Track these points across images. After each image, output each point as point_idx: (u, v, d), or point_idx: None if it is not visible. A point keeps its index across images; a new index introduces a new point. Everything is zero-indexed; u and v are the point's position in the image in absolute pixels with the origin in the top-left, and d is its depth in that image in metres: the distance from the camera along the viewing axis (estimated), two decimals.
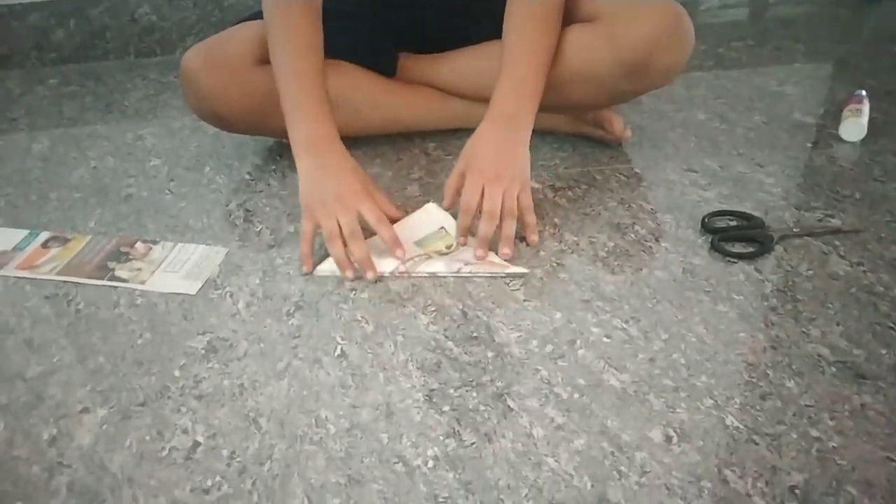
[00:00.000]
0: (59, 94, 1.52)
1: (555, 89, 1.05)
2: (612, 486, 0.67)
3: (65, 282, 0.96)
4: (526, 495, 0.67)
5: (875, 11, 1.82)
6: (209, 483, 0.69)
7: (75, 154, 1.28)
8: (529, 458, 0.70)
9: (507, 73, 1.01)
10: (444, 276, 0.94)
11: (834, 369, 0.79)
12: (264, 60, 1.10)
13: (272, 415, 0.76)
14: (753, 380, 0.78)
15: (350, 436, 0.73)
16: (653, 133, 1.27)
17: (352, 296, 0.92)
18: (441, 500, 0.67)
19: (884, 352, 0.81)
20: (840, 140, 1.23)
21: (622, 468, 0.69)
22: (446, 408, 0.76)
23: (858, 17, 1.79)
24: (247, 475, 0.70)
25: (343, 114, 1.05)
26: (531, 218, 0.98)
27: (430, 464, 0.70)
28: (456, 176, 0.99)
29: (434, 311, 0.89)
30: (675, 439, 0.71)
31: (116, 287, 0.94)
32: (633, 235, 1.01)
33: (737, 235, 1.00)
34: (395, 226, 0.97)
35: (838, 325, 0.85)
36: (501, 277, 0.93)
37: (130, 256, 1.00)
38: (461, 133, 1.01)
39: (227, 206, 1.12)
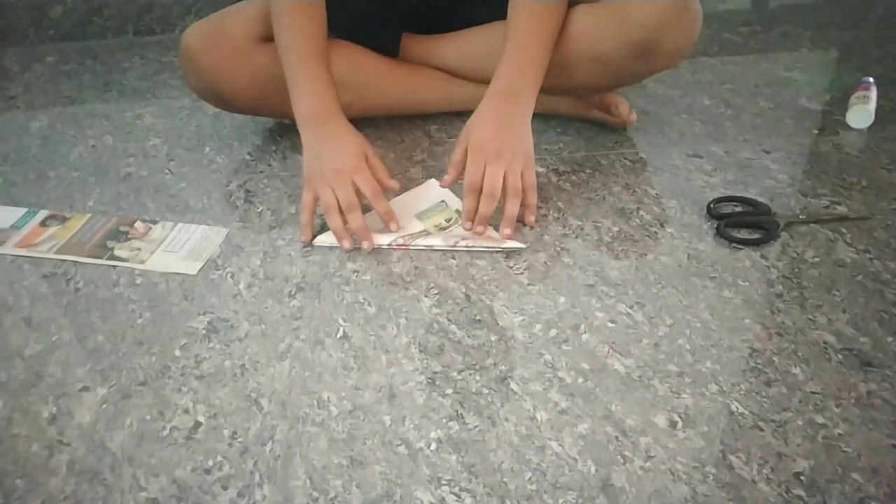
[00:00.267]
0: (57, 71, 1.50)
1: (561, 70, 1.04)
2: (616, 471, 0.67)
3: (63, 261, 0.95)
4: (529, 478, 0.66)
5: None
6: (210, 463, 0.68)
7: (74, 132, 1.26)
8: (533, 442, 0.70)
9: (509, 52, 1.00)
10: (442, 249, 0.94)
11: (840, 356, 0.78)
12: (265, 38, 1.09)
13: (274, 396, 0.75)
14: (759, 366, 0.77)
15: (352, 417, 0.73)
16: (658, 118, 1.25)
17: (354, 277, 0.91)
18: (444, 482, 0.66)
19: (890, 339, 0.80)
20: (847, 127, 1.22)
21: (626, 453, 0.68)
22: (449, 391, 0.75)
23: (866, 4, 1.77)
24: (248, 455, 0.69)
25: (346, 95, 1.03)
26: (532, 198, 0.97)
27: (433, 446, 0.70)
28: (459, 150, 0.97)
29: (437, 293, 0.88)
30: (679, 425, 0.71)
31: (116, 266, 0.93)
32: (637, 220, 1.00)
33: (742, 221, 0.99)
34: (396, 199, 0.98)
35: (844, 312, 0.84)
36: (498, 253, 0.93)
37: (130, 236, 0.99)
38: (464, 115, 0.99)
39: (228, 186, 1.10)
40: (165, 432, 0.72)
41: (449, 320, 0.84)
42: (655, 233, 0.98)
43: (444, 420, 0.72)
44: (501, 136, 0.95)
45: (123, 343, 0.82)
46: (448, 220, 0.99)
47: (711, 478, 0.66)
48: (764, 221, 0.98)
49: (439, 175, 1.07)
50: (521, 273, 0.91)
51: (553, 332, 0.82)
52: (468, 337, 0.82)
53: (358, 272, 0.92)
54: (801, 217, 0.99)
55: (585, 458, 0.68)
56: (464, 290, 0.88)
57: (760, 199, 1.03)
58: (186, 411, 0.74)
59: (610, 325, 0.83)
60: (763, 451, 0.68)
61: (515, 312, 0.85)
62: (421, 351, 0.80)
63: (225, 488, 0.66)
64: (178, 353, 0.81)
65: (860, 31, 1.63)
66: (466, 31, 1.19)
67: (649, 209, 1.02)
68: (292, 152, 1.17)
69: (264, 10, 1.07)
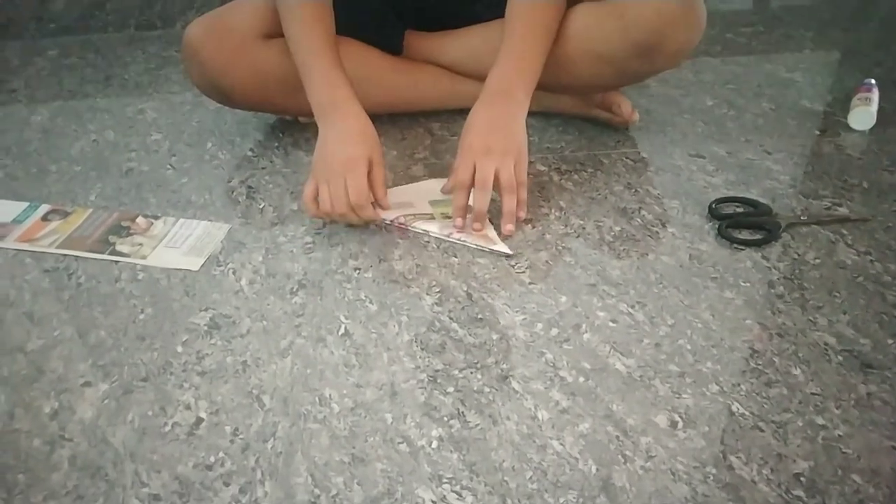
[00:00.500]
0: (58, 65, 1.50)
1: (563, 68, 1.04)
2: (617, 470, 0.67)
3: (65, 255, 0.95)
4: (530, 477, 0.66)
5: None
6: (212, 459, 0.68)
7: (75, 126, 1.26)
8: (534, 441, 0.70)
9: (504, 51, 1.00)
10: (436, 237, 0.96)
11: (840, 358, 0.78)
12: (268, 34, 1.09)
13: (275, 392, 0.75)
14: (759, 367, 0.78)
15: (354, 415, 0.73)
16: (660, 118, 1.25)
17: (355, 275, 0.91)
18: (445, 480, 0.66)
19: (890, 341, 0.80)
20: (848, 128, 1.22)
21: (627, 452, 0.69)
22: (451, 389, 0.75)
23: (868, 5, 1.77)
24: (250, 452, 0.69)
25: None
26: (522, 193, 0.96)
27: (435, 444, 0.70)
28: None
29: (439, 291, 0.88)
30: (680, 425, 0.71)
31: (117, 262, 0.93)
32: (639, 220, 1.00)
33: (744, 222, 0.99)
34: (414, 185, 1.02)
35: (845, 313, 0.84)
36: (489, 252, 0.94)
37: (132, 231, 0.99)
38: (467, 113, 0.99)
39: (230, 182, 1.10)
40: (167, 428, 0.72)
41: (450, 318, 0.84)
42: (657, 233, 0.98)
43: (446, 418, 0.72)
44: (492, 134, 0.95)
45: (125, 338, 0.82)
46: None
47: (711, 478, 0.66)
48: (765, 222, 0.98)
49: (442, 174, 1.07)
50: (523, 272, 0.91)
51: (554, 331, 0.82)
52: (469, 335, 0.82)
53: (360, 269, 0.92)
54: (802, 218, 0.99)
55: (586, 457, 0.68)
56: (465, 289, 0.89)
57: (762, 200, 1.03)
58: (188, 407, 0.74)
59: (611, 324, 0.83)
60: (763, 451, 0.69)
61: (517, 311, 0.85)
62: (422, 349, 0.80)
63: (227, 485, 0.66)
64: (179, 349, 0.81)
65: (862, 33, 1.63)
66: (469, 29, 1.19)
67: (651, 209, 1.03)
68: (294, 149, 1.17)
69: (267, 5, 1.07)
